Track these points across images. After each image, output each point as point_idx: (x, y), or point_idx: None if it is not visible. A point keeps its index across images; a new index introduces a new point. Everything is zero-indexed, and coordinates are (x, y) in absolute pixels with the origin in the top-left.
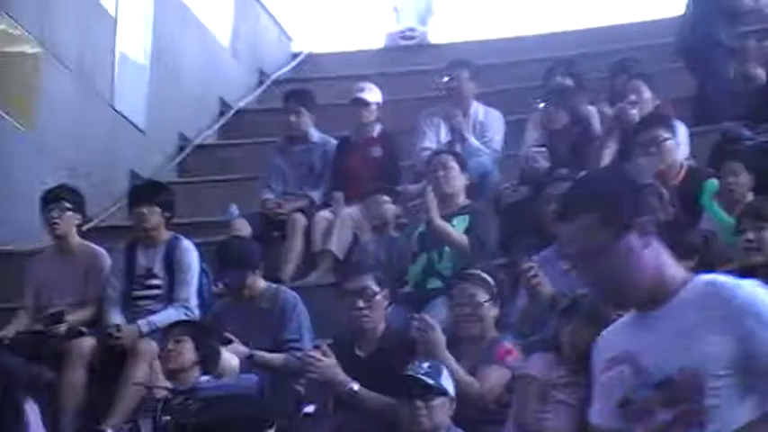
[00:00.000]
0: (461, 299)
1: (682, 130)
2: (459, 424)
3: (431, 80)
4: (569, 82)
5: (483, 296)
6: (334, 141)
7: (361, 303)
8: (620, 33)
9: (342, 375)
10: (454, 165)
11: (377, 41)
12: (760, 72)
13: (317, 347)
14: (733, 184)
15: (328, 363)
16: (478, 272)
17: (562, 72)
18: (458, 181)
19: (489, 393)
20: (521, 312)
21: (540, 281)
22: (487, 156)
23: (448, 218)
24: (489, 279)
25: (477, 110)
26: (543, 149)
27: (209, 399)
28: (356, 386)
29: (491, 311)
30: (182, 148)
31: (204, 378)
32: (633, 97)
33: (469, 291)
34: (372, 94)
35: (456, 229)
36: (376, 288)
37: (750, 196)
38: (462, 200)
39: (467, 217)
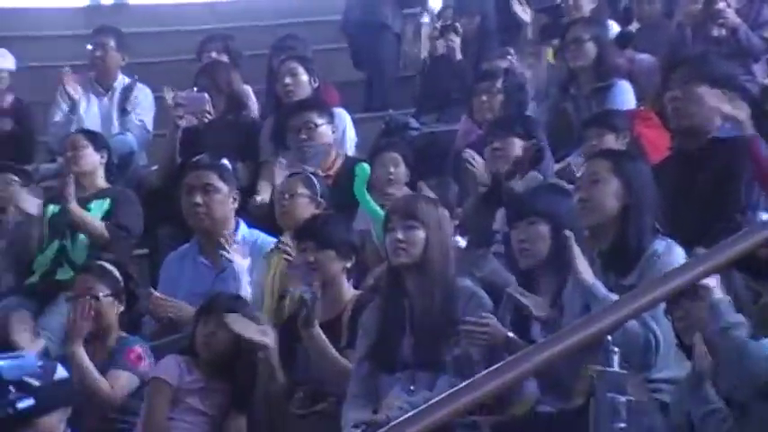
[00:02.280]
0: (78, 291)
1: (344, 117)
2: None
3: (78, 46)
4: (224, 58)
5: (103, 290)
6: None
7: None
8: (286, 8)
9: None
10: (86, 144)
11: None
12: (427, 56)
13: None
14: (391, 176)
15: None
16: (102, 263)
17: (218, 47)
18: (90, 161)
19: (115, 399)
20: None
21: (168, 309)
22: (133, 135)
23: (86, 201)
24: (114, 271)
25: (124, 83)
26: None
27: None
28: None
29: (112, 307)
30: None
31: None
32: (288, 80)
33: (88, 283)
34: (3, 60)
35: (93, 214)
36: None
37: (405, 191)
38: (101, 182)
39: (107, 200)
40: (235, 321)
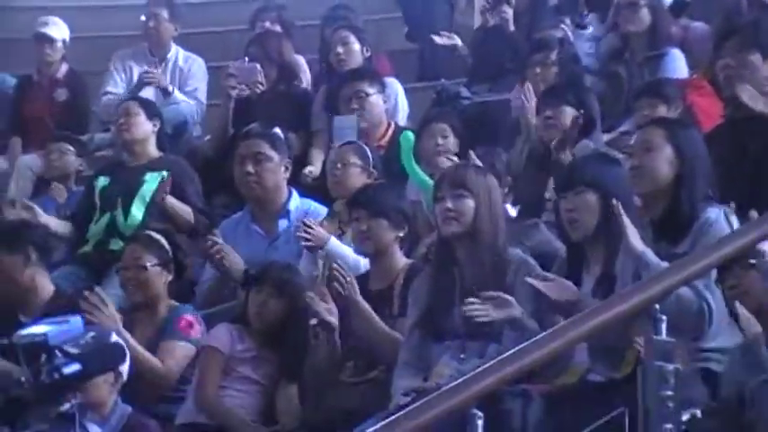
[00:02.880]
0: (126, 261)
1: (395, 87)
2: (131, 402)
3: (131, 16)
4: (277, 28)
5: (150, 259)
6: (12, 80)
7: None
8: None
9: None
10: (139, 111)
11: None
12: (480, 26)
13: None
14: (439, 147)
15: None
16: (150, 233)
17: (271, 17)
18: (141, 128)
19: (171, 373)
20: (208, 284)
21: (223, 255)
22: (187, 105)
23: (140, 172)
24: (162, 241)
25: (177, 54)
26: None
27: None
28: None
29: (160, 277)
30: None
31: None
32: (340, 49)
33: (135, 253)
34: (58, 30)
35: (150, 185)
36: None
37: (454, 161)
38: (153, 150)
39: (163, 173)
40: (313, 301)
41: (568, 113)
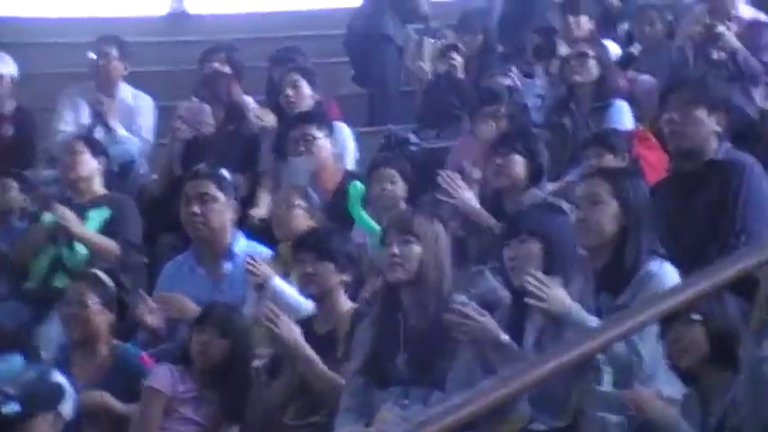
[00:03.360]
0: (68, 298)
1: (345, 131)
2: None
3: (77, 54)
4: (227, 69)
5: (92, 298)
6: None
7: None
8: (286, 22)
9: None
10: (84, 149)
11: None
12: (429, 71)
13: None
14: (387, 192)
15: None
16: (96, 271)
17: (220, 58)
18: (87, 167)
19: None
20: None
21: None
22: (134, 144)
23: (84, 208)
24: (106, 280)
25: (126, 93)
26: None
27: None
28: None
29: (102, 316)
30: None
31: None
32: (290, 92)
33: (79, 290)
34: (5, 66)
35: (92, 222)
36: None
37: (402, 206)
38: (99, 188)
39: (105, 209)
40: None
41: (518, 162)
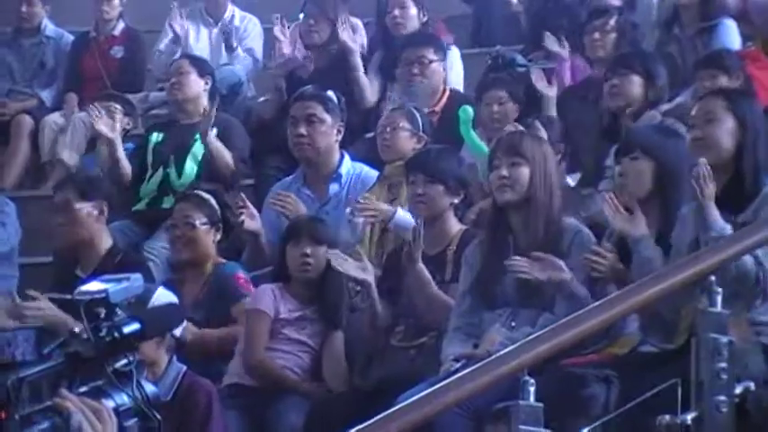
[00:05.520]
0: (175, 219)
1: (454, 54)
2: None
3: None
4: None
5: (199, 218)
6: (69, 36)
7: (60, 219)
8: None
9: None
10: (190, 69)
11: None
12: None
13: None
14: (496, 113)
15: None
16: (199, 192)
17: None
18: (193, 87)
19: (239, 334)
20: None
21: (246, 215)
22: (241, 65)
23: (192, 129)
24: (210, 199)
25: (234, 14)
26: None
27: None
28: None
29: (209, 235)
30: None
31: None
32: (397, 12)
33: (185, 211)
34: None
35: (199, 142)
36: (78, 202)
37: (511, 127)
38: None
39: (214, 129)
40: (336, 259)
41: (635, 82)
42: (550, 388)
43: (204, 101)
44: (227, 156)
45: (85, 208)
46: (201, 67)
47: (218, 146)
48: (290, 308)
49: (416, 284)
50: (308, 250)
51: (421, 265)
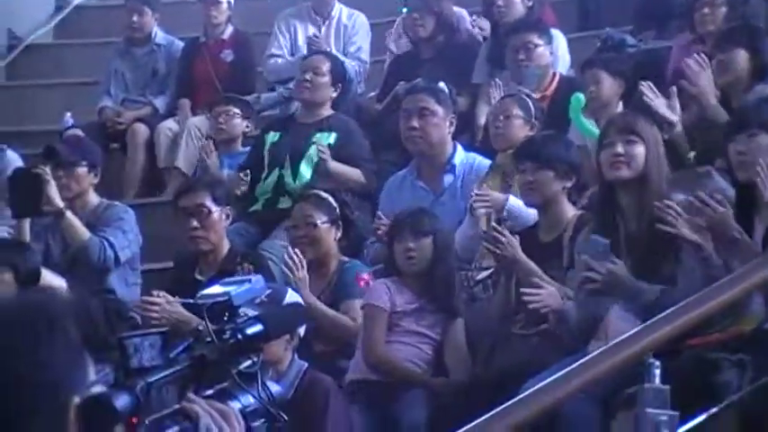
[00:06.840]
0: (296, 220)
1: (559, 38)
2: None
3: None
4: None
5: (320, 217)
6: (180, 43)
7: (194, 223)
8: None
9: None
10: (327, 72)
11: None
12: None
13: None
14: (594, 93)
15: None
16: (318, 191)
17: None
18: (325, 92)
19: (358, 330)
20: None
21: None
22: (351, 63)
23: (309, 130)
24: (329, 198)
25: (341, 12)
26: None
27: None
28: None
29: (330, 234)
30: (11, 48)
31: None
32: (500, 1)
33: (306, 211)
34: None
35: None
36: (212, 206)
37: (620, 107)
38: (326, 110)
39: (332, 134)
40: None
41: (742, 57)
42: (681, 371)
43: (328, 107)
44: (353, 175)
45: (218, 212)
46: (336, 71)
47: (341, 171)
48: (406, 300)
49: (526, 277)
50: (412, 244)
51: (525, 260)
